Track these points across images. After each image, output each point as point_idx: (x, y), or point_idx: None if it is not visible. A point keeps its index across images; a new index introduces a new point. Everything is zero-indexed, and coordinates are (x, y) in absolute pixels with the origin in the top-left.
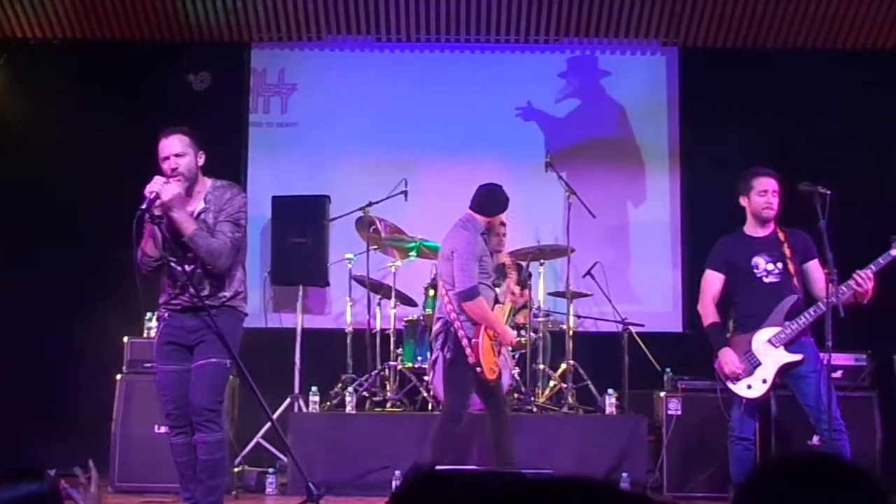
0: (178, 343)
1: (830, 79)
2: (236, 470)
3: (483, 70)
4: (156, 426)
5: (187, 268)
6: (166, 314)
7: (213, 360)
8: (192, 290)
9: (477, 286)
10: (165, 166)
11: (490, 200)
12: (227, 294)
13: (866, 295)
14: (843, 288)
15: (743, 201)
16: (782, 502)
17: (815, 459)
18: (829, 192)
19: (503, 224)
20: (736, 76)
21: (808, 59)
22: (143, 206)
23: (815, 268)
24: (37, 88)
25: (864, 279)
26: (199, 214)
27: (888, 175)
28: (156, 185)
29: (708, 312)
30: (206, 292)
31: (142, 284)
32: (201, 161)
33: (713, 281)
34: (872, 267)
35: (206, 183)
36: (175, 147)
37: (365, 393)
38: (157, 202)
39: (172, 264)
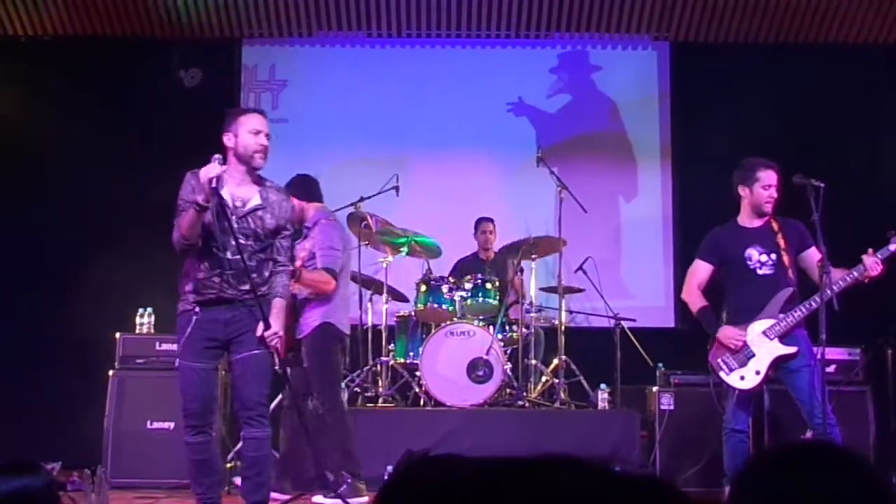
0: (213, 338)
1: (822, 72)
2: (229, 465)
3: (474, 65)
4: (148, 422)
5: (232, 255)
6: (197, 308)
7: (257, 351)
8: (232, 281)
9: None
10: (257, 140)
11: None
12: (265, 288)
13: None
14: (855, 273)
15: (742, 191)
16: (778, 490)
17: (809, 447)
18: (822, 185)
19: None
20: (727, 70)
21: (799, 53)
22: (214, 186)
23: (814, 255)
24: (28, 85)
25: (874, 264)
26: (255, 209)
27: (881, 169)
28: (214, 170)
29: (694, 298)
30: (247, 286)
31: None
32: None
33: (700, 270)
34: (879, 255)
35: (254, 174)
36: (268, 127)
37: (357, 389)
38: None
39: (215, 250)
